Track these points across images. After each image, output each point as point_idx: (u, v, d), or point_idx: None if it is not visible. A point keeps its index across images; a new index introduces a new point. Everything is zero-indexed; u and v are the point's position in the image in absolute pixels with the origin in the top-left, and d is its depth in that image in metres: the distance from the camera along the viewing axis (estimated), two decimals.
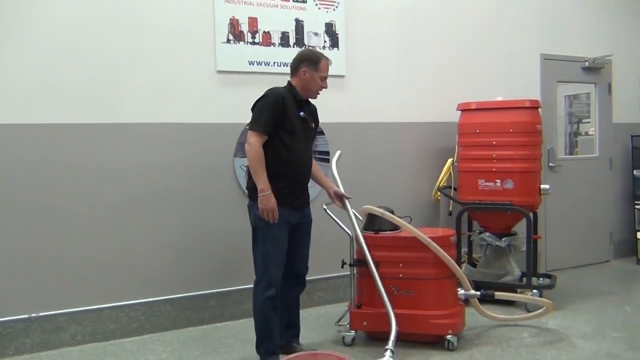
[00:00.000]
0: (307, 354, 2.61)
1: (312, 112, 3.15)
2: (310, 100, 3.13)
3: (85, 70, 3.40)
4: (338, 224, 3.37)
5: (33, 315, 3.30)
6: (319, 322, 3.74)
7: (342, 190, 3.28)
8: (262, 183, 2.81)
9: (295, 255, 3.06)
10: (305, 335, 3.46)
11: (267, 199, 2.80)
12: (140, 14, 3.55)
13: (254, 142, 2.84)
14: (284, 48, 3.98)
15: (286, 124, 2.91)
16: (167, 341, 3.47)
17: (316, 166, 3.25)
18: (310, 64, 3.00)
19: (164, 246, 3.60)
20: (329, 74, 3.08)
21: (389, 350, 2.85)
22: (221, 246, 3.78)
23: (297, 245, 3.06)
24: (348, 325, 3.36)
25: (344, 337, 3.35)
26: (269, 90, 2.99)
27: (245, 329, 3.61)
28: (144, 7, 3.55)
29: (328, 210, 3.40)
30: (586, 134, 5.86)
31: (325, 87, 3.07)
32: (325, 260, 4.06)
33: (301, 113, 3.01)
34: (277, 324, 3.02)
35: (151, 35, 3.57)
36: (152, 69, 3.56)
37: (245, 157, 3.71)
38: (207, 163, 3.73)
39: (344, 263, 3.39)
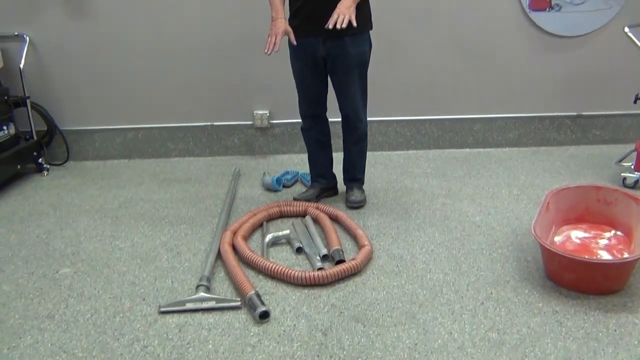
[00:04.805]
0: (588, 186, 2.46)
1: None
2: None
3: None
4: None
5: None
6: (592, 161, 3.46)
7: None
8: (272, 11, 2.50)
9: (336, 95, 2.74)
10: (579, 172, 3.27)
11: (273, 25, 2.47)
12: None
13: None
14: None
15: None
16: (431, 158, 3.62)
17: None
18: None
19: (445, 71, 3.59)
20: None
21: None
22: (507, 76, 3.64)
23: (334, 85, 2.70)
24: (632, 167, 3.04)
25: (625, 178, 3.06)
26: None
27: (509, 157, 3.55)
28: None
29: (631, 34, 2.92)
30: None
31: None
32: (608, 95, 3.65)
33: None
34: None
35: None
36: None
37: None
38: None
39: (637, 98, 2.97)
